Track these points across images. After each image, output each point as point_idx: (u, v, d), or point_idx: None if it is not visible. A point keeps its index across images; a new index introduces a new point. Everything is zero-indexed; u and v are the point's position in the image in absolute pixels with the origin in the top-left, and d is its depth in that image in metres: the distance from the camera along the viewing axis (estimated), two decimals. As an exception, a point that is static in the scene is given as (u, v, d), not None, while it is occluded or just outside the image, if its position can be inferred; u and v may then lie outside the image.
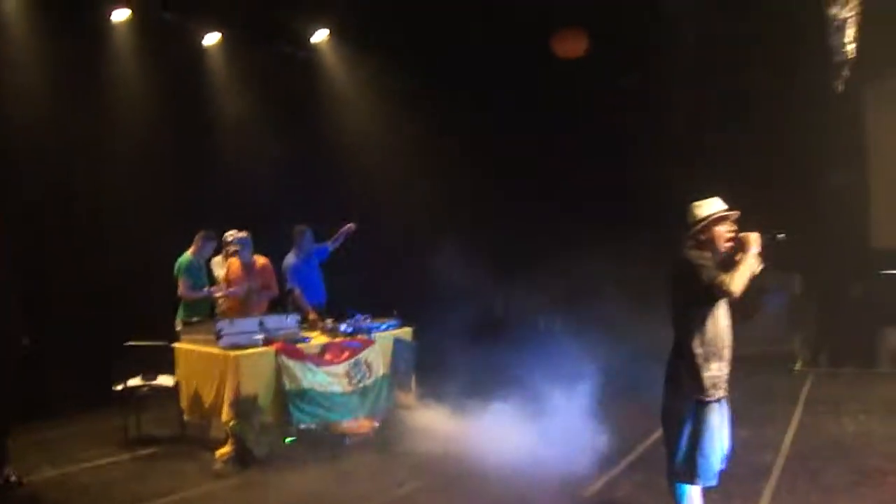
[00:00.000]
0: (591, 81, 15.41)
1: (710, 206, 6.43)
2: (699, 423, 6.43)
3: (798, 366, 14.44)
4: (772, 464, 8.90)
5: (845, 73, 9.86)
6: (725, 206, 6.42)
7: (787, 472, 8.64)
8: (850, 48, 9.29)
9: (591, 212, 14.39)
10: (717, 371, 6.41)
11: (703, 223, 6.36)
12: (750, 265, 6.16)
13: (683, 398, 6.43)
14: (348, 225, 12.15)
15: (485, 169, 15.38)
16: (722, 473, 6.97)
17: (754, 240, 6.25)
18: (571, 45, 14.58)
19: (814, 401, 12.04)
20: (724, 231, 6.37)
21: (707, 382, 6.38)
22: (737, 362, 13.75)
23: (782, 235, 6.93)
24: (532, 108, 15.57)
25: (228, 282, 11.25)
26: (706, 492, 6.86)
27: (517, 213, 15.06)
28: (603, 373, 9.33)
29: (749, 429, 10.27)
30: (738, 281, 6.06)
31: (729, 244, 6.37)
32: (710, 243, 6.37)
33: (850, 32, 8.82)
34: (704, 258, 6.25)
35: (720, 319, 6.40)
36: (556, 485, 8.14)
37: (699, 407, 6.41)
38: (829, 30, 8.93)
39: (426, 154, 15.06)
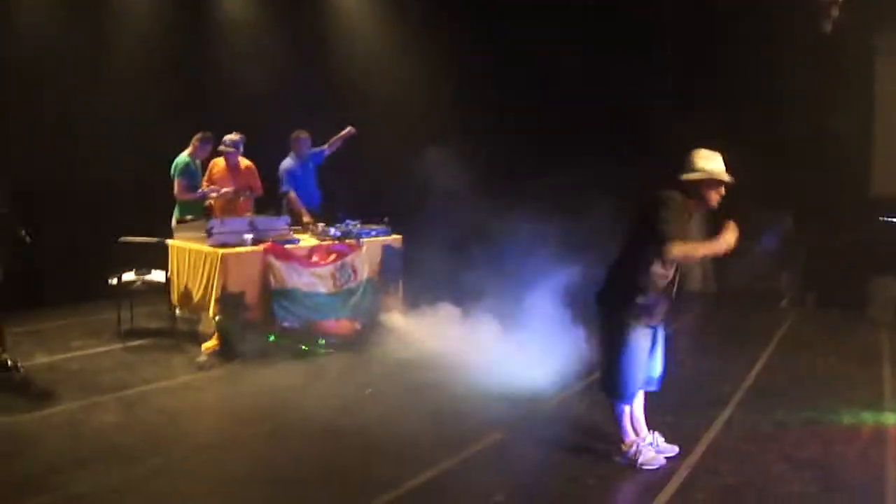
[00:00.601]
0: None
1: (712, 162, 6.66)
2: (633, 347, 6.81)
3: (784, 303, 14.55)
4: (730, 396, 9.08)
5: (834, 13, 9.90)
6: (723, 168, 6.68)
7: (742, 405, 8.84)
8: None
9: (588, 136, 14.45)
10: (649, 301, 6.74)
11: (701, 179, 6.62)
12: (706, 250, 6.58)
13: (620, 322, 6.80)
14: (348, 128, 12.39)
15: (485, 83, 15.44)
16: (677, 401, 7.36)
17: (729, 239, 6.60)
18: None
19: (789, 340, 12.15)
20: (714, 195, 6.68)
21: (639, 309, 6.73)
22: (720, 297, 14.05)
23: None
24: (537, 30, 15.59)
25: (211, 181, 11.54)
26: (657, 414, 7.37)
27: (515, 127, 15.12)
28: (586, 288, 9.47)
29: (716, 361, 10.57)
30: (681, 251, 6.43)
31: (712, 206, 6.72)
32: (696, 197, 6.67)
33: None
34: (675, 206, 6.51)
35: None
36: (513, 399, 8.43)
37: (630, 331, 6.78)
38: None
39: (427, 67, 15.18)
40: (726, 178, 6.66)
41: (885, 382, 9.91)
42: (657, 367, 7.13)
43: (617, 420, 7.11)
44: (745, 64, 14.46)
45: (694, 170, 6.61)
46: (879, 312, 13.53)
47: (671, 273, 6.79)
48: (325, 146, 12.39)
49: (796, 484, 6.79)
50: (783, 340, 12.04)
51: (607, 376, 7.02)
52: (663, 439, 7.27)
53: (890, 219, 15.06)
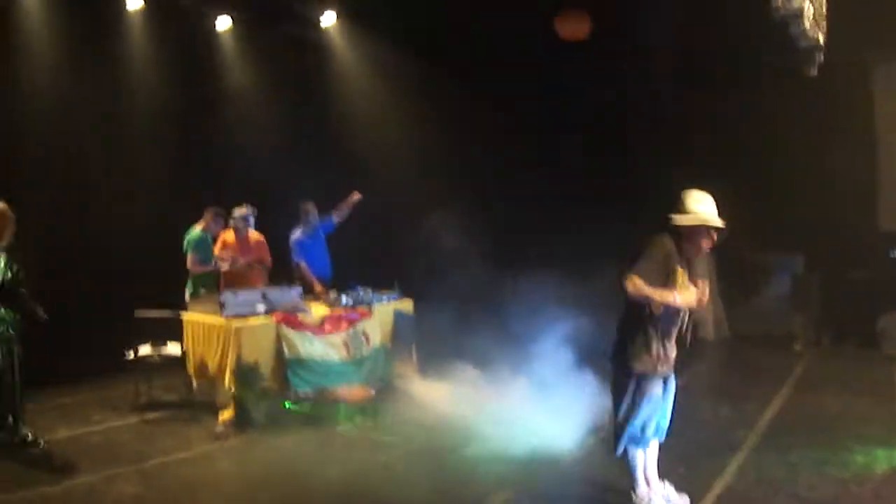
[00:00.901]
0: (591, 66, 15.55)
1: (703, 205, 6.76)
2: (643, 395, 6.92)
3: (799, 346, 14.57)
4: (744, 440, 9.15)
5: (819, 57, 10.03)
6: (715, 212, 6.77)
7: (757, 449, 8.91)
8: (815, 33, 9.48)
9: (590, 191, 14.58)
10: (660, 350, 6.85)
11: (691, 225, 6.72)
12: (659, 296, 6.60)
13: (628, 370, 6.90)
14: (354, 194, 12.54)
15: (487, 144, 15.59)
16: (690, 450, 7.43)
17: (691, 297, 6.75)
18: (575, 28, 14.73)
19: (803, 380, 12.19)
20: (705, 242, 6.78)
21: (652, 360, 6.85)
22: (736, 341, 14.11)
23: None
24: (538, 89, 15.77)
25: (221, 253, 11.74)
26: (670, 463, 7.47)
27: (518, 189, 15.25)
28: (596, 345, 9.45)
29: (731, 405, 10.60)
30: (634, 288, 6.55)
31: (702, 253, 6.83)
32: (687, 241, 6.77)
33: (807, 19, 9.02)
34: (659, 247, 6.68)
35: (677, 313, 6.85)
36: (524, 459, 8.48)
37: (641, 381, 6.89)
38: (779, 19, 9.13)
39: (430, 129, 15.33)
40: (718, 223, 6.73)
41: (900, 419, 9.94)
42: (667, 417, 7.20)
43: (630, 470, 7.18)
44: (741, 114, 14.62)
45: (685, 212, 6.72)
46: (893, 348, 13.58)
47: (678, 319, 6.88)
48: (333, 214, 12.51)
49: (809, 525, 6.87)
50: (797, 382, 12.07)
51: (619, 425, 7.08)
52: (674, 489, 7.34)
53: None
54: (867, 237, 15.04)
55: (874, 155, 15.25)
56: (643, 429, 7.00)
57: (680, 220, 6.70)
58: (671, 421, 7.25)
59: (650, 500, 7.10)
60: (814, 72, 10.15)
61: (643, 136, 15.15)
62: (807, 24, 9.08)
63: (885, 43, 14.01)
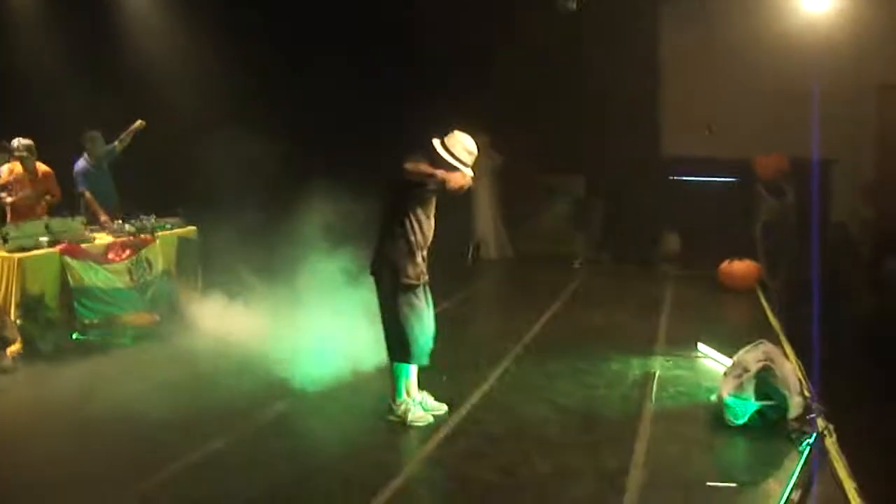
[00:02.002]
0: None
1: (463, 150, 7.22)
2: (412, 308, 7.36)
3: (578, 263, 15.19)
4: (508, 351, 9.71)
5: None
6: (469, 161, 7.25)
7: (519, 359, 9.49)
8: None
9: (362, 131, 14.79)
10: (420, 259, 7.32)
11: (447, 159, 7.16)
12: (432, 173, 7.05)
13: (397, 284, 7.32)
14: (137, 122, 12.59)
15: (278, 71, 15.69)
16: (455, 361, 7.87)
17: (459, 177, 7.12)
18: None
19: (577, 296, 12.87)
20: (459, 178, 7.16)
21: (415, 269, 7.31)
22: (519, 259, 14.60)
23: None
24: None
25: (9, 186, 11.64)
26: (433, 373, 7.91)
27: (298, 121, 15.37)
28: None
29: (503, 320, 11.18)
30: (414, 166, 7.06)
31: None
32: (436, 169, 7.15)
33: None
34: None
35: (429, 216, 7.34)
36: (298, 376, 8.69)
37: (410, 290, 7.33)
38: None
39: (217, 55, 15.34)
40: (468, 178, 7.27)
41: (660, 331, 10.68)
42: (432, 325, 7.64)
43: (394, 380, 7.61)
44: (520, 44, 15.03)
45: (451, 151, 7.20)
46: (665, 264, 14.33)
47: (427, 228, 7.36)
48: (116, 142, 12.51)
49: (556, 427, 7.44)
50: (570, 297, 12.74)
51: (393, 340, 7.49)
52: (433, 398, 7.82)
53: (679, 177, 15.88)
54: (649, 161, 15.71)
55: (658, 84, 15.89)
56: (414, 341, 7.41)
57: (444, 154, 7.16)
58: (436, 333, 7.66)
59: (408, 407, 7.54)
60: (572, 5, 10.54)
61: (411, 77, 15.40)
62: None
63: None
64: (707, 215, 14.37)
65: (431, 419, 7.59)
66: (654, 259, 14.97)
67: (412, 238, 7.27)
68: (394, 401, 7.58)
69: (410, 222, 7.26)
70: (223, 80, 15.08)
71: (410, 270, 7.32)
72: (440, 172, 7.04)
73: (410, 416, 7.50)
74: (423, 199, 7.25)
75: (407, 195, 7.20)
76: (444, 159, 7.14)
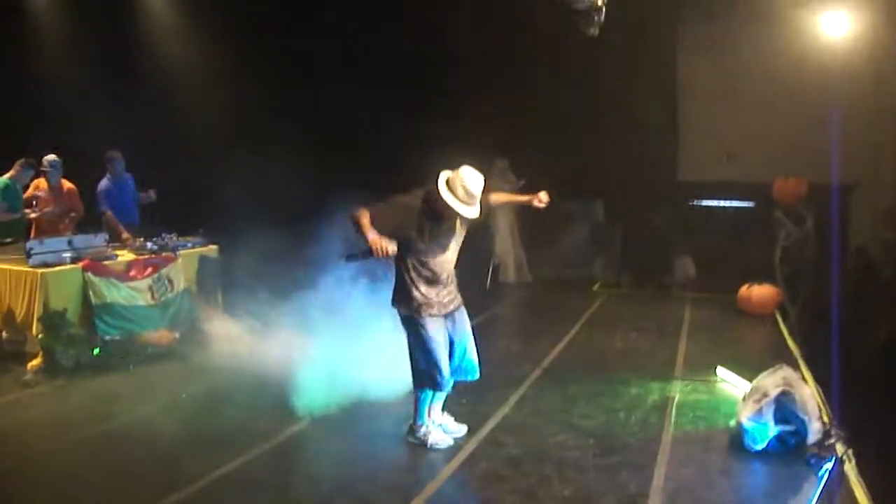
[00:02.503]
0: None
1: (461, 190, 7.13)
2: (418, 337, 7.41)
3: (597, 287, 15.19)
4: (528, 374, 9.76)
5: (598, 17, 10.35)
6: (469, 203, 7.19)
7: (538, 382, 9.53)
8: None
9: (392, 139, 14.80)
10: (424, 292, 7.34)
11: (445, 199, 7.12)
12: (363, 229, 6.99)
13: (402, 316, 7.48)
14: (151, 193, 12.76)
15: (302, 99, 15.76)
16: (476, 384, 7.89)
17: (379, 243, 6.97)
18: None
19: (595, 319, 12.85)
20: (381, 248, 7.03)
21: (413, 303, 7.34)
22: (537, 283, 14.63)
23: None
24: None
25: (34, 201, 11.81)
26: (454, 395, 7.92)
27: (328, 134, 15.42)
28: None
29: (522, 343, 11.17)
30: (353, 215, 7.06)
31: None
32: (437, 209, 7.20)
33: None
34: (404, 201, 7.27)
35: (438, 250, 7.34)
36: (320, 396, 8.67)
37: (413, 322, 7.39)
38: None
39: (237, 75, 15.45)
40: (466, 215, 7.25)
41: (679, 354, 10.68)
42: (468, 355, 7.68)
43: (417, 404, 7.65)
44: (542, 71, 15.10)
45: (451, 190, 7.15)
46: (679, 287, 14.34)
47: (433, 264, 7.35)
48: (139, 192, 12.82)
49: (575, 449, 7.45)
50: (588, 321, 12.74)
51: (413, 367, 7.57)
52: (453, 419, 7.87)
53: (696, 202, 15.91)
54: (666, 187, 15.74)
55: (675, 109, 15.90)
56: (432, 369, 7.44)
57: (441, 193, 7.13)
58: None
59: (429, 430, 7.58)
60: (594, 32, 10.55)
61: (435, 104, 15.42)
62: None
63: (690, 3, 14.67)
64: (725, 240, 14.37)
65: (452, 442, 7.63)
66: (670, 284, 14.96)
67: (410, 274, 7.33)
68: (415, 423, 7.63)
69: (407, 257, 7.31)
70: (247, 100, 15.17)
71: (408, 304, 7.37)
72: (370, 235, 6.96)
73: (431, 440, 7.55)
74: (422, 232, 7.27)
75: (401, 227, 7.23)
76: (440, 196, 7.12)
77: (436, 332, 7.40)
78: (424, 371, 7.46)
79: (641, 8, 12.97)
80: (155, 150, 13.04)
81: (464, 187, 7.11)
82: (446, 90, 15.44)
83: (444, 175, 7.18)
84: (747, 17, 14.74)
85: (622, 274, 15.62)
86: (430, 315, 7.37)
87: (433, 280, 7.35)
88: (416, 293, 7.31)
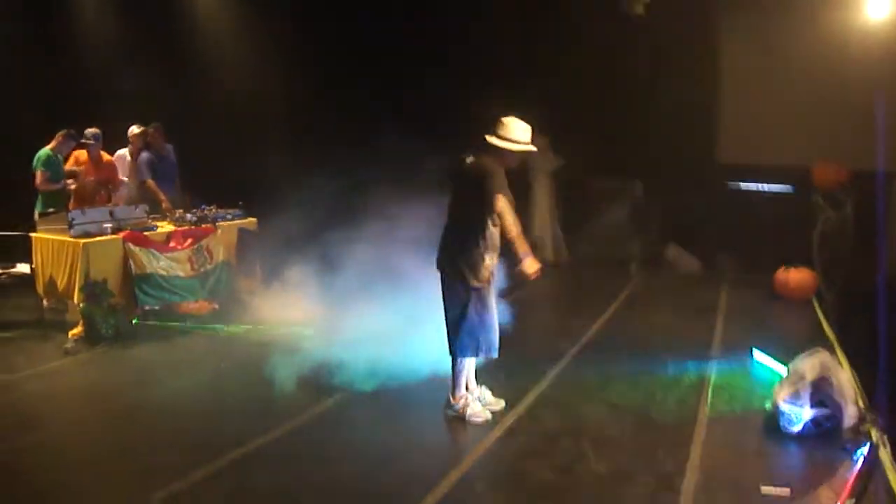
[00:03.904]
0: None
1: (520, 132, 7.39)
2: (482, 306, 7.47)
3: (634, 266, 15.18)
4: (565, 351, 9.77)
5: None
6: (529, 140, 7.44)
7: (576, 359, 9.55)
8: None
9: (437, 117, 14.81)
10: (491, 262, 7.43)
11: (510, 147, 7.35)
12: (518, 243, 7.22)
13: (466, 285, 7.44)
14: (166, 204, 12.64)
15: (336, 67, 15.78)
16: (513, 359, 7.98)
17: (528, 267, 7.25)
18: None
19: (633, 299, 12.86)
20: (516, 159, 7.42)
21: (486, 272, 7.40)
22: (575, 263, 14.64)
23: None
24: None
25: (74, 171, 11.95)
26: (492, 371, 8.12)
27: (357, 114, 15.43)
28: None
29: (560, 320, 11.21)
30: (511, 224, 7.20)
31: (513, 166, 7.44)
32: (503, 160, 7.37)
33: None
34: (497, 171, 7.27)
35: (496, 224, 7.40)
36: (357, 366, 8.80)
37: (480, 293, 7.45)
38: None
39: (278, 53, 15.51)
40: (533, 149, 7.49)
41: (715, 334, 10.67)
42: (496, 330, 7.72)
43: (455, 375, 7.70)
44: (580, 49, 15.08)
45: (505, 138, 7.33)
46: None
47: (497, 233, 7.45)
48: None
49: (613, 427, 7.47)
50: (626, 300, 12.74)
51: (458, 336, 7.57)
52: (490, 393, 7.91)
53: (734, 184, 15.85)
54: (705, 168, 15.65)
55: (716, 91, 15.81)
56: (478, 339, 7.52)
57: (502, 144, 7.32)
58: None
59: (467, 402, 7.62)
60: (640, 10, 10.56)
61: (482, 74, 15.39)
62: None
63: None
64: (764, 223, 14.29)
65: (490, 416, 7.66)
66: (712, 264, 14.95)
67: (483, 243, 7.38)
68: (453, 395, 7.67)
69: (483, 228, 7.37)
70: (289, 76, 15.22)
71: (480, 274, 7.43)
72: (528, 259, 7.26)
73: (469, 412, 7.58)
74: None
75: (482, 202, 7.28)
76: (510, 150, 7.33)
77: (494, 300, 7.60)
78: (479, 338, 7.51)
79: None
80: (197, 126, 13.03)
81: (520, 129, 7.39)
82: (490, 70, 15.36)
83: (491, 138, 7.36)
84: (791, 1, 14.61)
85: (659, 254, 15.52)
86: (493, 284, 7.54)
87: (496, 249, 7.49)
88: (488, 262, 7.42)
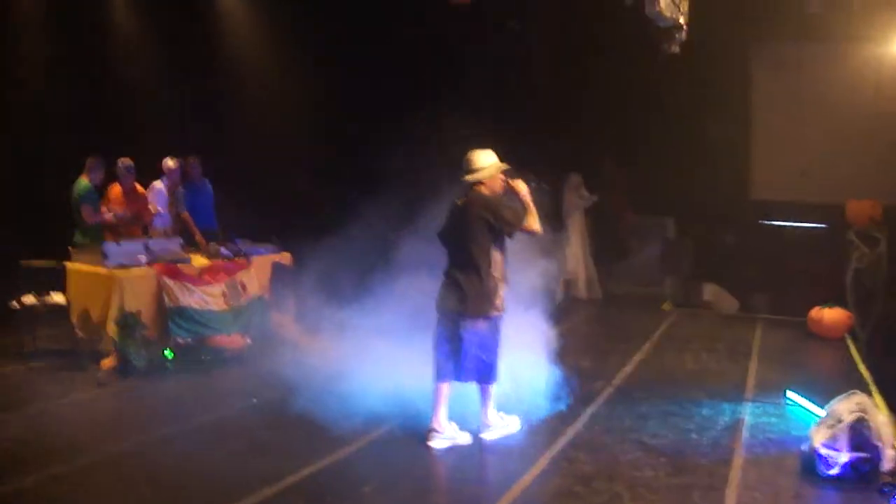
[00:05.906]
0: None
1: (485, 158, 7.75)
2: (499, 334, 7.75)
3: (667, 306, 15.14)
4: (599, 392, 9.74)
5: (680, 36, 10.38)
6: (496, 159, 7.80)
7: (611, 400, 9.50)
8: (673, 13, 9.89)
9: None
10: (503, 292, 7.71)
11: (490, 171, 7.70)
12: (530, 204, 7.55)
13: (488, 317, 7.64)
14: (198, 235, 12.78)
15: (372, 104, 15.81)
16: (548, 398, 7.99)
17: (523, 185, 7.71)
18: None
19: (666, 338, 12.81)
20: (500, 179, 7.74)
21: (500, 301, 7.66)
22: (607, 301, 14.61)
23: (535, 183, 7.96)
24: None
25: (109, 204, 12.02)
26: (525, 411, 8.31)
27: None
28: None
29: (593, 359, 11.15)
30: (535, 221, 7.61)
31: (502, 188, 7.76)
32: (489, 187, 7.70)
33: (662, 1, 9.48)
34: (501, 199, 7.63)
35: (505, 251, 7.73)
36: (390, 402, 8.86)
37: (496, 322, 7.67)
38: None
39: (312, 89, 15.55)
40: (505, 166, 7.83)
41: (750, 376, 10.60)
42: None
43: (485, 401, 7.94)
44: (617, 86, 15.08)
45: (477, 169, 7.71)
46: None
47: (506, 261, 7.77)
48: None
49: (647, 469, 7.42)
50: (659, 339, 12.70)
51: (494, 363, 7.80)
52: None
53: (768, 222, 15.80)
54: (738, 205, 15.65)
55: (749, 128, 15.81)
56: (498, 364, 7.84)
57: (481, 175, 7.71)
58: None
59: (504, 419, 8.06)
60: (675, 49, 10.59)
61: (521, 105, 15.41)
62: (662, 5, 9.55)
63: (760, 21, 14.56)
64: (797, 261, 14.25)
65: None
66: (744, 303, 14.89)
67: (496, 274, 7.65)
68: (488, 419, 7.95)
69: (491, 259, 7.62)
70: (323, 108, 15.25)
71: (497, 305, 7.70)
72: (527, 197, 7.79)
73: (509, 424, 8.03)
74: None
75: (493, 232, 7.57)
76: (489, 175, 7.74)
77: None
78: (494, 366, 7.80)
79: (718, 27, 12.91)
80: (232, 157, 13.09)
81: (484, 155, 7.81)
82: (524, 108, 15.39)
83: (468, 176, 7.78)
84: (822, 36, 14.60)
85: (691, 293, 15.46)
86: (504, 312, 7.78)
87: (504, 278, 7.75)
88: (501, 292, 7.67)
